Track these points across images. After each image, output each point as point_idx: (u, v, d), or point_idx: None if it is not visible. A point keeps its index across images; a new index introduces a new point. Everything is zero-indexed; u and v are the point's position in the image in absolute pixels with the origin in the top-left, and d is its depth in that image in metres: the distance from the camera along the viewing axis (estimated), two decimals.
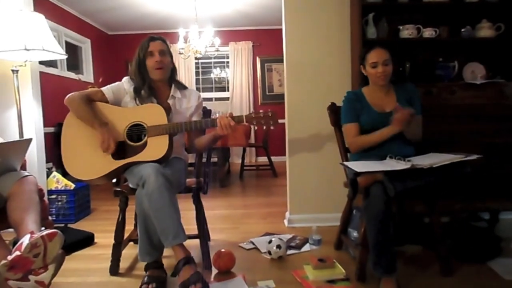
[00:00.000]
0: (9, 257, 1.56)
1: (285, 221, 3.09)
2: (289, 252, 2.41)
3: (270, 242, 2.34)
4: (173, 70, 2.29)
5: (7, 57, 2.59)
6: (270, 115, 2.05)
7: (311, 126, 2.98)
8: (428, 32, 2.71)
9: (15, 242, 1.70)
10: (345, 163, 2.07)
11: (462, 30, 2.76)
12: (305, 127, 2.99)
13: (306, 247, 2.51)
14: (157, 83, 2.23)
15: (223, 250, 2.20)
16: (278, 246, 2.30)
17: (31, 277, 1.60)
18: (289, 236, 2.68)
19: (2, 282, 1.59)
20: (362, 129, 2.19)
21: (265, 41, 7.23)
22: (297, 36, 2.97)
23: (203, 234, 2.26)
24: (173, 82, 2.29)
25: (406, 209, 2.37)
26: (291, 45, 2.98)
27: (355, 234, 2.41)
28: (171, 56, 2.27)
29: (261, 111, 2.08)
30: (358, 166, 1.90)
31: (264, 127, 2.05)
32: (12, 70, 2.62)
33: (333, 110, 2.40)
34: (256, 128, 2.19)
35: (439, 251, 2.05)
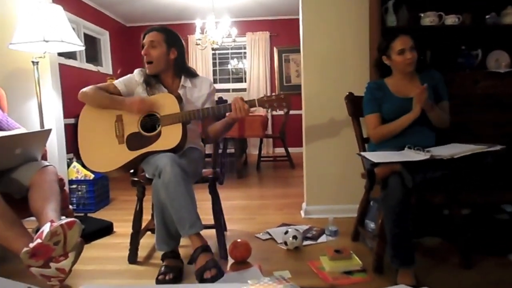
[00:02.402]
0: (31, 245, 1.60)
1: (302, 212, 3.08)
2: (305, 243, 2.41)
3: (286, 232, 2.34)
4: (178, 60, 2.23)
5: (27, 48, 2.63)
6: (282, 97, 2.03)
7: (328, 116, 2.95)
8: (450, 19, 2.63)
9: (36, 231, 1.74)
10: (362, 153, 2.04)
11: (487, 16, 2.67)
12: (322, 117, 2.96)
13: (323, 238, 2.50)
14: (163, 74, 2.22)
15: (239, 240, 2.20)
16: (294, 237, 2.30)
17: (52, 264, 1.64)
18: (305, 227, 2.67)
19: (25, 269, 1.63)
20: (384, 118, 2.15)
21: (282, 31, 7.17)
22: (314, 26, 2.92)
23: (219, 224, 2.27)
24: (182, 71, 2.27)
25: (425, 200, 2.33)
26: (308, 35, 2.94)
27: (372, 225, 2.39)
28: (176, 46, 2.21)
29: (273, 93, 2.07)
30: (376, 156, 1.87)
31: (277, 110, 2.04)
32: (32, 62, 2.66)
33: (351, 100, 2.37)
34: (270, 111, 2.18)
35: (458, 244, 2.01)
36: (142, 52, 2.15)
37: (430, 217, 2.49)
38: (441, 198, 2.03)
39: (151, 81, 2.18)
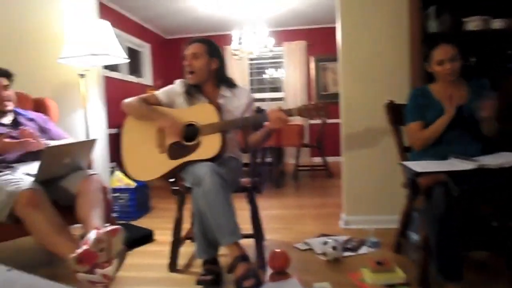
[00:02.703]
0: (78, 251, 1.65)
1: (341, 222, 3.03)
2: (345, 254, 2.36)
3: (325, 243, 2.30)
4: (218, 70, 2.26)
5: (75, 62, 2.76)
6: (321, 106, 2.02)
7: (367, 124, 2.90)
8: (497, 24, 2.53)
9: (82, 237, 1.81)
10: (404, 163, 1.99)
11: None
12: (361, 126, 2.91)
13: (363, 250, 2.44)
14: (205, 84, 2.25)
15: (278, 250, 2.19)
16: (334, 248, 2.26)
17: (97, 270, 1.69)
18: (345, 237, 2.62)
19: (70, 273, 1.69)
20: (428, 125, 2.08)
21: (319, 40, 7.14)
22: (352, 34, 2.89)
23: (258, 234, 2.27)
24: (222, 81, 2.29)
25: (472, 211, 2.23)
26: (346, 43, 2.91)
27: (415, 237, 2.31)
28: (217, 56, 2.25)
29: (311, 102, 2.06)
30: (419, 166, 1.81)
31: (315, 119, 2.03)
32: (79, 75, 2.79)
33: (391, 108, 2.32)
34: (308, 120, 2.17)
35: (509, 258, 1.90)
36: (185, 63, 2.20)
37: (478, 229, 2.38)
38: (489, 209, 1.94)
39: (192, 92, 2.22)
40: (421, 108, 2.11)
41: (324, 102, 2.05)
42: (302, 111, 2.03)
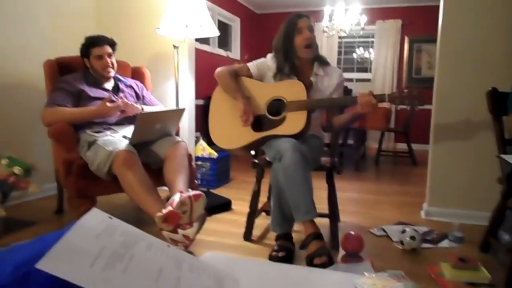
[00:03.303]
0: (164, 211, 1.79)
1: (422, 213, 2.88)
2: (424, 245, 2.25)
3: (403, 232, 2.22)
4: (317, 48, 2.25)
5: (171, 34, 2.90)
6: (415, 94, 1.91)
7: (462, 113, 2.68)
8: None
9: (167, 199, 1.94)
10: (503, 156, 1.82)
11: None
12: (455, 113, 2.70)
13: (444, 243, 2.31)
14: (301, 60, 2.23)
15: (352, 232, 2.16)
16: (412, 237, 2.16)
17: (179, 230, 1.82)
18: (425, 228, 2.49)
19: (157, 232, 1.84)
20: None
21: (416, 20, 6.69)
22: (455, 14, 2.65)
23: (333, 214, 2.25)
24: (316, 59, 2.27)
25: None
26: (448, 24, 2.68)
27: (506, 237, 2.13)
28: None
29: (405, 90, 1.95)
30: None
31: (408, 108, 1.93)
32: (174, 46, 2.93)
33: (494, 96, 2.11)
34: (399, 108, 2.05)
35: None
36: (305, 36, 2.15)
37: None
38: None
39: (284, 68, 2.20)
40: None
41: (419, 90, 1.93)
42: (394, 98, 1.94)
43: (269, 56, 2.31)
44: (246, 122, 2.13)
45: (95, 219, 0.68)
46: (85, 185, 2.16)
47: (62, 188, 2.66)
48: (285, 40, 2.19)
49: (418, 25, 6.68)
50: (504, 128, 2.08)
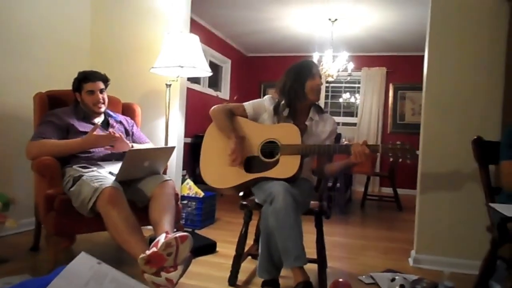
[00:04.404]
0: (148, 252, 1.71)
1: (410, 260, 2.84)
2: None
3: (393, 280, 2.17)
4: None
5: (164, 73, 2.93)
6: (407, 147, 1.94)
7: (448, 160, 2.72)
8: None
9: (151, 239, 1.88)
10: (492, 205, 1.83)
11: None
12: (441, 160, 2.74)
13: None
14: (302, 103, 2.25)
15: (341, 280, 2.11)
16: (402, 286, 2.12)
17: (162, 273, 1.73)
18: (414, 277, 2.45)
19: (139, 274, 1.76)
20: None
21: (400, 68, 6.93)
22: (440, 63, 2.75)
23: (322, 260, 2.20)
24: (313, 105, 2.31)
25: None
26: (433, 72, 2.77)
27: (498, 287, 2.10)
28: None
29: (398, 142, 1.98)
30: (509, 210, 1.65)
31: (400, 160, 1.95)
32: (166, 84, 2.95)
33: (479, 145, 2.15)
34: (391, 159, 2.08)
35: None
36: (318, 82, 2.21)
37: None
38: None
39: (280, 110, 2.22)
40: None
41: (410, 145, 1.98)
42: (387, 150, 1.97)
43: (267, 97, 2.33)
44: (233, 162, 2.11)
45: (83, 265, 0.64)
46: (66, 222, 2.08)
47: (40, 224, 2.55)
48: (296, 81, 2.20)
49: (402, 73, 6.91)
50: (498, 176, 2.10)
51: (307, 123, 2.25)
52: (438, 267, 2.59)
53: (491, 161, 2.11)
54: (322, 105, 7.17)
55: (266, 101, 2.30)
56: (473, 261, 2.39)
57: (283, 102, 2.23)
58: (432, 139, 2.77)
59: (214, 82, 6.67)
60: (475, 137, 2.19)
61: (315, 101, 2.25)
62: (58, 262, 2.07)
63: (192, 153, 5.26)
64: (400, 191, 5.33)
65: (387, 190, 6.36)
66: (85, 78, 2.43)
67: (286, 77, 2.25)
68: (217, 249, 2.90)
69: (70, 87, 2.48)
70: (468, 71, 2.70)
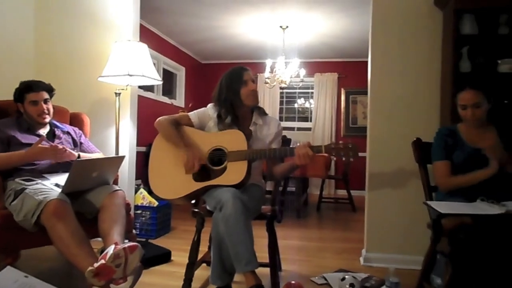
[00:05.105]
0: (95, 265, 1.68)
1: (361, 259, 2.95)
2: None
3: (343, 279, 2.25)
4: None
5: (113, 81, 2.88)
6: (350, 146, 2.00)
7: (393, 161, 2.85)
8: None
9: (101, 251, 1.84)
10: (429, 202, 1.94)
11: None
12: (387, 161, 2.87)
13: None
14: (242, 110, 2.28)
15: (293, 282, 2.15)
16: (352, 285, 2.20)
17: (112, 286, 1.71)
18: (364, 275, 2.54)
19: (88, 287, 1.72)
20: (454, 166, 2.05)
21: (351, 73, 7.18)
22: (382, 69, 2.90)
23: (274, 264, 2.24)
24: (255, 109, 2.35)
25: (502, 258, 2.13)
26: (376, 78, 2.92)
27: (438, 281, 2.22)
28: None
29: (340, 142, 2.05)
30: (443, 207, 1.77)
31: (344, 159, 2.01)
32: (115, 93, 2.90)
33: (418, 146, 2.29)
34: (335, 159, 2.14)
35: None
36: (252, 88, 2.24)
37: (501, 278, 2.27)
38: None
39: (225, 117, 2.24)
40: (447, 148, 2.09)
41: (354, 141, 2.03)
42: (330, 150, 2.01)
43: (210, 105, 2.34)
44: (192, 169, 2.11)
45: (8, 279, 0.63)
46: (8, 237, 1.99)
47: None
48: (230, 91, 2.24)
49: (353, 78, 7.16)
50: (430, 176, 2.23)
51: (251, 128, 2.28)
52: (386, 264, 2.69)
53: (429, 161, 2.24)
54: (277, 111, 7.31)
55: (210, 110, 2.32)
56: (417, 257, 2.51)
57: (223, 110, 2.26)
58: (378, 141, 2.90)
59: (168, 89, 6.62)
60: (415, 138, 2.32)
61: (254, 105, 2.29)
62: None
63: (147, 162, 5.15)
64: (354, 192, 5.50)
65: (342, 192, 6.54)
66: (27, 88, 2.34)
67: (220, 87, 2.29)
68: (172, 258, 2.87)
69: (11, 97, 2.39)
70: (408, 76, 2.86)
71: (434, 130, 2.42)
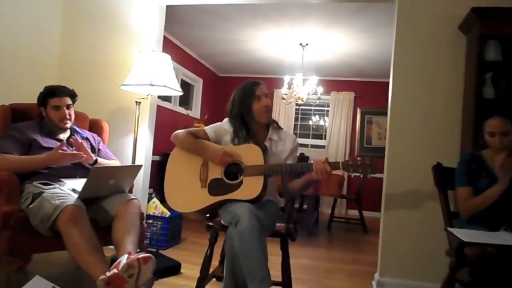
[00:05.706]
0: (108, 273, 1.66)
1: (374, 283, 2.88)
2: None
3: None
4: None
5: (135, 90, 2.91)
6: (368, 163, 1.98)
7: (411, 183, 2.80)
8: None
9: (112, 260, 1.82)
10: (450, 229, 1.89)
11: None
12: (405, 184, 2.82)
13: None
14: (256, 125, 2.28)
15: None
16: None
17: None
18: None
19: None
20: (480, 192, 2.02)
21: (367, 93, 7.15)
22: (404, 90, 2.87)
23: (287, 283, 2.20)
24: (270, 124, 2.33)
25: None
26: (397, 99, 2.89)
27: None
28: None
29: (358, 158, 2.02)
30: (466, 235, 1.72)
31: (361, 176, 1.98)
32: (136, 102, 2.92)
33: (438, 171, 2.25)
34: (352, 175, 2.12)
35: None
36: (265, 103, 2.23)
37: None
38: None
39: (240, 132, 2.24)
40: (471, 174, 2.05)
41: (372, 159, 2.01)
42: (348, 166, 2.00)
43: (225, 120, 2.34)
44: (226, 162, 2.12)
45: None
46: (22, 241, 1.99)
47: None
48: (242, 106, 2.24)
49: (369, 98, 7.13)
50: (450, 202, 2.19)
51: (266, 143, 2.27)
52: None
53: (450, 186, 2.19)
54: (292, 127, 7.29)
55: (226, 124, 2.32)
56: (433, 284, 2.45)
57: (237, 125, 2.25)
58: (396, 163, 2.86)
59: (185, 100, 6.66)
60: (435, 163, 2.28)
61: (266, 121, 2.27)
62: (11, 284, 1.98)
63: (160, 171, 5.10)
64: (366, 213, 5.42)
65: (354, 212, 6.44)
66: (51, 93, 2.38)
67: (232, 103, 2.29)
68: (182, 270, 2.85)
69: (35, 101, 2.42)
70: (430, 99, 2.83)
71: (454, 155, 2.40)
